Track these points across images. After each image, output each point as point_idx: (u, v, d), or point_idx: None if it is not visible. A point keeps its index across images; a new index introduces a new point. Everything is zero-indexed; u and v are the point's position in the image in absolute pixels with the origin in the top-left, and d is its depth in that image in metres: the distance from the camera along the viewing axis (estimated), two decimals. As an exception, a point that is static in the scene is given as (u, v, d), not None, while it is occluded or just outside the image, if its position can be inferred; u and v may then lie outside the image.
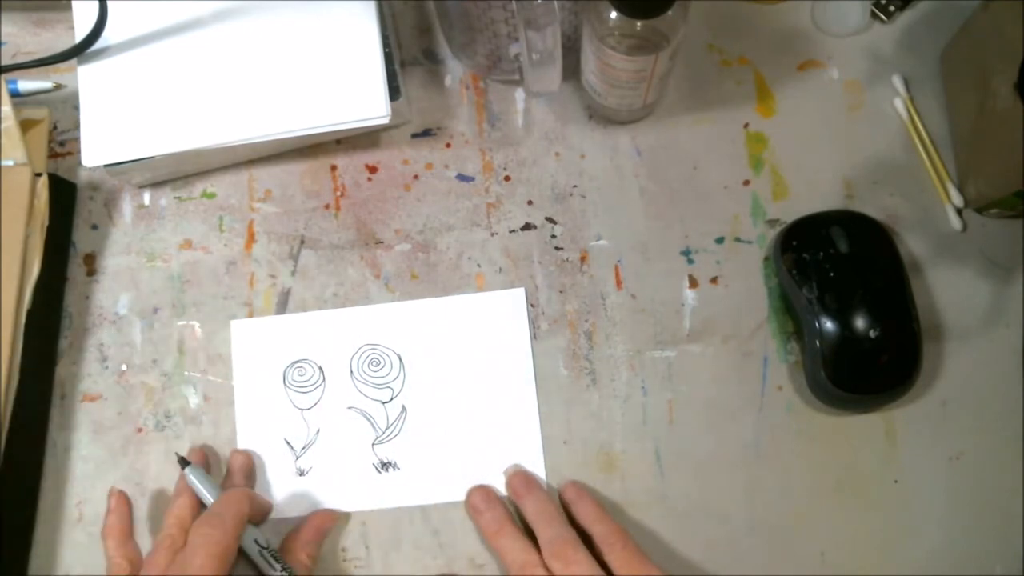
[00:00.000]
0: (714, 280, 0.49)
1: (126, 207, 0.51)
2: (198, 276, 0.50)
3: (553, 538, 0.43)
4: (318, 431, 0.48)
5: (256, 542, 0.43)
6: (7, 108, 0.47)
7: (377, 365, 0.49)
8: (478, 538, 0.46)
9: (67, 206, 0.51)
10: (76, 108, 0.49)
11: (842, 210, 0.49)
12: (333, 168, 0.52)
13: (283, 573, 0.43)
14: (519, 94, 0.52)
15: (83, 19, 0.47)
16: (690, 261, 0.50)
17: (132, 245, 0.51)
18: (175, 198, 0.51)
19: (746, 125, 0.51)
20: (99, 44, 0.47)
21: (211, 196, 0.51)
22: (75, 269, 0.50)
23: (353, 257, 0.50)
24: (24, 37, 0.54)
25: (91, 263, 0.51)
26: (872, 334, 0.45)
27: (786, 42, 0.52)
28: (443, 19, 0.50)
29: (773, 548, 0.46)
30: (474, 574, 0.46)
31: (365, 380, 0.49)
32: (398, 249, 0.50)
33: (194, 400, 0.49)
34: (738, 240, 0.50)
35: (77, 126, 0.49)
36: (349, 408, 0.48)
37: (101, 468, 0.48)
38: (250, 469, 0.47)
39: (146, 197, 0.51)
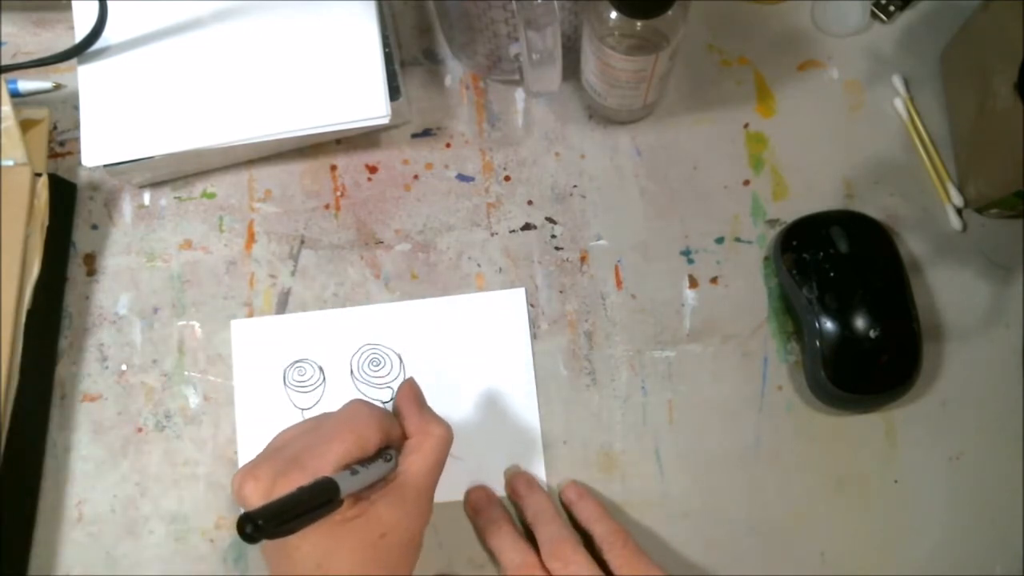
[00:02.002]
0: (714, 280, 0.49)
1: (126, 207, 0.51)
2: (198, 276, 0.50)
3: (552, 538, 0.43)
4: (318, 431, 0.48)
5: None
6: (7, 108, 0.47)
7: (377, 365, 0.49)
8: (477, 538, 0.46)
9: (67, 206, 0.51)
10: (76, 108, 0.48)
11: (842, 210, 0.49)
12: (333, 168, 0.52)
13: (379, 464, 0.39)
14: (519, 94, 0.52)
15: (83, 19, 0.47)
16: (690, 261, 0.50)
17: (132, 245, 0.51)
18: (175, 198, 0.51)
19: (746, 125, 0.51)
20: (99, 44, 0.47)
21: (211, 196, 0.51)
22: (75, 269, 0.50)
23: (353, 257, 0.50)
24: (24, 37, 0.54)
25: (91, 263, 0.51)
26: (872, 334, 0.45)
27: (786, 42, 0.52)
28: (443, 19, 0.50)
29: (773, 548, 0.46)
30: (474, 574, 0.46)
31: (365, 380, 0.49)
32: (398, 249, 0.50)
33: (194, 400, 0.49)
34: (738, 240, 0.50)
35: (77, 126, 0.49)
36: (349, 408, 0.48)
37: (101, 468, 0.48)
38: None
39: (146, 197, 0.51)
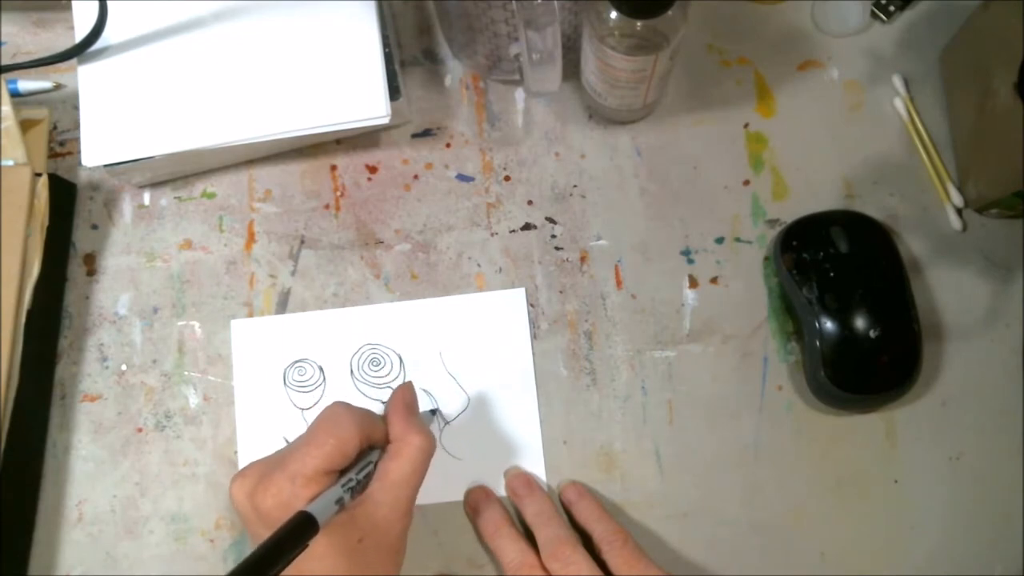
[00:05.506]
0: (714, 280, 0.49)
1: (126, 207, 0.51)
2: (198, 276, 0.50)
3: (551, 538, 0.43)
4: (318, 431, 0.48)
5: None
6: (7, 108, 0.47)
7: (377, 365, 0.49)
8: (477, 538, 0.46)
9: (67, 206, 0.51)
10: (76, 108, 0.49)
11: (842, 210, 0.49)
12: (333, 168, 0.52)
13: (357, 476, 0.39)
14: (519, 94, 0.52)
15: (83, 19, 0.47)
16: (690, 261, 0.50)
17: (132, 245, 0.51)
18: (175, 198, 0.51)
19: (746, 125, 0.51)
20: (99, 44, 0.47)
21: (211, 196, 0.51)
22: (75, 269, 0.50)
23: (353, 257, 0.50)
24: (24, 37, 0.54)
25: (91, 263, 0.51)
26: (872, 334, 0.45)
27: (786, 42, 0.52)
28: (443, 19, 0.50)
29: (773, 548, 0.46)
30: (473, 574, 0.46)
31: (365, 380, 0.49)
32: (398, 249, 0.50)
33: (194, 400, 0.49)
34: (738, 240, 0.50)
35: (77, 126, 0.49)
36: (349, 408, 0.48)
37: (101, 468, 0.48)
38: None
39: (146, 197, 0.52)
